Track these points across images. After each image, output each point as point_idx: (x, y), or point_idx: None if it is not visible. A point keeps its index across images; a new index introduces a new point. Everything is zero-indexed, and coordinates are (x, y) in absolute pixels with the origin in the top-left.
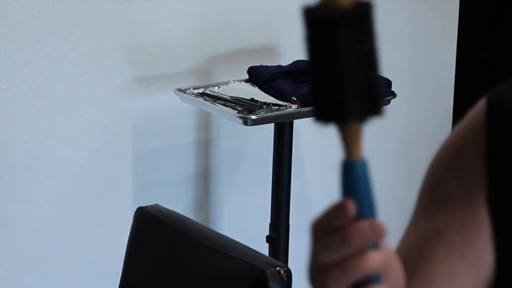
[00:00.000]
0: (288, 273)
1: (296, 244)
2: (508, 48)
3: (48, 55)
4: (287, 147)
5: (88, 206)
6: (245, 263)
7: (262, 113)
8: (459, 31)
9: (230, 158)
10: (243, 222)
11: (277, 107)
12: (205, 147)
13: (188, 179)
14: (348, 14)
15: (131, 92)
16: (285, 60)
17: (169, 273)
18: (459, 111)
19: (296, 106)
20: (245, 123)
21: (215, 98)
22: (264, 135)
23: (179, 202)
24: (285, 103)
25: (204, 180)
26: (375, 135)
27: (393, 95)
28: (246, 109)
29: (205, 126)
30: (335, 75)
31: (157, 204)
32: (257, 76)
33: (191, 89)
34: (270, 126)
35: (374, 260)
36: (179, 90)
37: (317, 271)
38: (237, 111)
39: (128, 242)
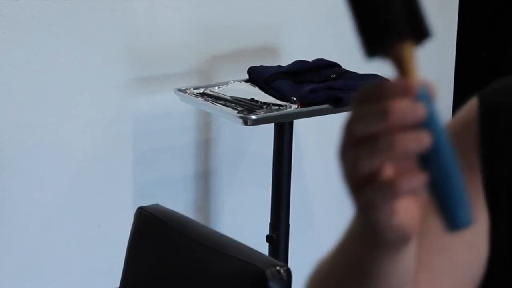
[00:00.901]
0: (288, 273)
1: (296, 244)
2: (508, 48)
3: (48, 55)
4: (287, 147)
5: (88, 206)
6: (245, 263)
7: (262, 113)
8: (459, 30)
9: (230, 158)
10: (243, 222)
11: (277, 107)
12: (205, 147)
13: (188, 179)
14: None
15: (131, 92)
16: (285, 60)
17: (169, 273)
18: (458, 110)
19: (296, 106)
20: (245, 123)
21: (215, 98)
22: (264, 135)
23: (179, 202)
24: (285, 103)
25: (204, 180)
26: None
27: None
28: (246, 109)
29: (205, 126)
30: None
31: (157, 204)
32: (257, 76)
33: (191, 89)
34: (270, 126)
35: (412, 138)
36: (179, 90)
37: (348, 144)
38: (237, 111)
39: (128, 242)
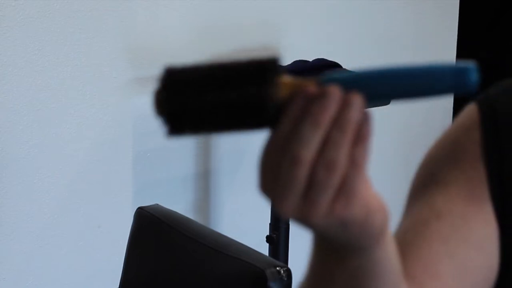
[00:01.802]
0: (288, 273)
1: (296, 244)
2: (509, 48)
3: (48, 55)
4: None
5: (88, 206)
6: (245, 263)
7: None
8: (459, 30)
9: (230, 158)
10: (243, 222)
11: None
12: (205, 147)
13: (188, 179)
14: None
15: (131, 92)
16: (285, 59)
17: (169, 273)
18: (459, 111)
19: None
20: None
21: None
22: (264, 135)
23: (179, 202)
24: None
25: (204, 180)
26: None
27: None
28: None
29: None
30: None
31: (157, 204)
32: None
33: None
34: None
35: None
36: None
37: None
38: None
39: (128, 242)
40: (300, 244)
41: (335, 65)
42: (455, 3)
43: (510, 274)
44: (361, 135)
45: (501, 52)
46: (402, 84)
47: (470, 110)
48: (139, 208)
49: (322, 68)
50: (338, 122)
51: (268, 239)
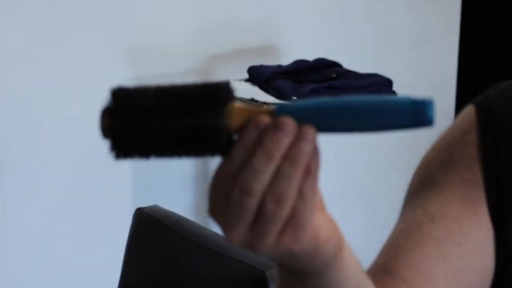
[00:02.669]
0: None
1: None
2: (510, 48)
3: (47, 55)
4: None
5: (87, 206)
6: (245, 265)
7: None
8: (461, 30)
9: None
10: None
11: None
12: None
13: (187, 180)
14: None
15: None
16: (285, 59)
17: (168, 275)
18: (461, 111)
19: None
20: None
21: None
22: None
23: (179, 203)
24: (286, 101)
25: (204, 181)
26: (376, 135)
27: (395, 94)
28: None
29: None
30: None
31: (156, 205)
32: (257, 76)
33: None
34: None
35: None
36: None
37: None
38: None
39: (127, 243)
40: None
41: (335, 65)
42: (457, 3)
43: (505, 277)
44: (310, 169)
45: (503, 51)
46: (357, 119)
47: (468, 112)
48: (138, 209)
49: (322, 68)
50: (290, 155)
51: None
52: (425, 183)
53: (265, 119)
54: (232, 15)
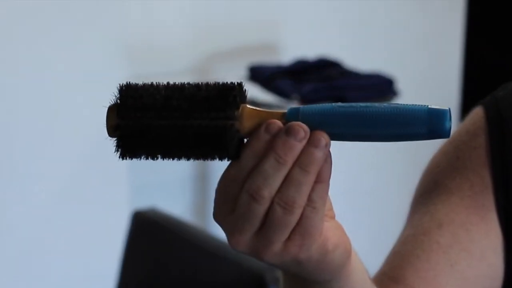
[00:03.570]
0: None
1: None
2: None
3: (43, 53)
4: None
5: (84, 208)
6: (244, 268)
7: None
8: (465, 30)
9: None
10: None
11: (277, 107)
12: None
13: (186, 181)
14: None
15: None
16: (285, 57)
17: (165, 277)
18: (465, 111)
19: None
20: None
21: None
22: None
23: (177, 205)
24: (286, 101)
25: (202, 182)
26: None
27: (396, 94)
28: None
29: None
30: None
31: (153, 207)
32: (257, 75)
33: None
34: None
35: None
36: None
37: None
38: None
39: (124, 245)
40: None
41: (336, 64)
42: (461, 3)
43: None
44: (321, 176)
45: (507, 51)
46: (371, 127)
47: (476, 114)
48: (135, 211)
49: (323, 67)
50: (301, 161)
51: None
52: (432, 188)
53: (277, 123)
54: (232, 13)
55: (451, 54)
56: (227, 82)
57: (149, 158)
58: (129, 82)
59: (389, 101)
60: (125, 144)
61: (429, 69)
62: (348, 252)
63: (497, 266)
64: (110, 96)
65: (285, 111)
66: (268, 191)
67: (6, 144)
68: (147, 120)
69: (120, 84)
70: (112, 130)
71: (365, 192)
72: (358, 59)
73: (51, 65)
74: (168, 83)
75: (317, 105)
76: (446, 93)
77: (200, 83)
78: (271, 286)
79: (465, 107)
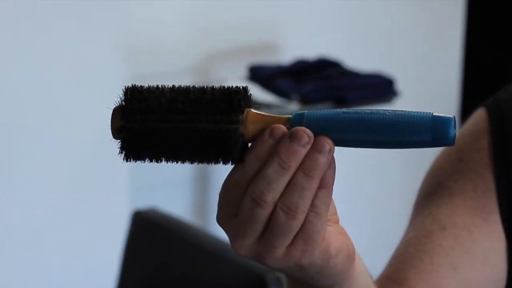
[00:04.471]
0: None
1: None
2: None
3: (43, 53)
4: None
5: (84, 208)
6: (245, 268)
7: None
8: (465, 30)
9: None
10: None
11: (277, 107)
12: None
13: (186, 181)
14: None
15: None
16: (285, 57)
17: (165, 278)
18: (465, 111)
19: (297, 105)
20: None
21: None
22: None
23: (177, 205)
24: (286, 101)
25: (202, 183)
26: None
27: (396, 94)
28: None
29: None
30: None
31: (153, 208)
32: (257, 75)
33: None
34: None
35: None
36: None
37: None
38: None
39: (124, 245)
40: None
41: (336, 64)
42: (461, 2)
43: None
44: (325, 181)
45: (507, 51)
46: (375, 133)
47: (478, 116)
48: (135, 211)
49: (323, 67)
50: (305, 166)
51: None
52: (435, 190)
53: (281, 128)
54: (231, 13)
55: (451, 54)
56: (232, 86)
57: (153, 161)
58: (134, 84)
59: (389, 101)
60: (129, 146)
61: (429, 69)
62: (351, 257)
63: (500, 268)
64: (110, 96)
65: (290, 116)
66: (271, 196)
67: (6, 144)
68: (152, 122)
69: (125, 86)
70: (117, 132)
71: (366, 196)
72: (358, 59)
73: (51, 65)
74: (173, 85)
75: (322, 110)
76: (446, 93)
77: (205, 87)
78: (271, 286)
79: (465, 107)
